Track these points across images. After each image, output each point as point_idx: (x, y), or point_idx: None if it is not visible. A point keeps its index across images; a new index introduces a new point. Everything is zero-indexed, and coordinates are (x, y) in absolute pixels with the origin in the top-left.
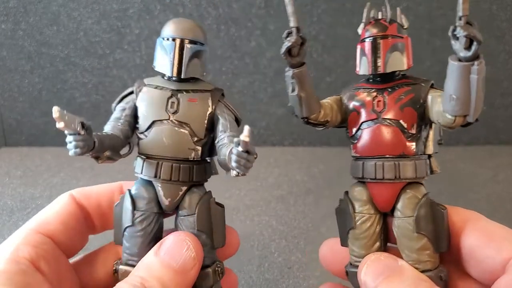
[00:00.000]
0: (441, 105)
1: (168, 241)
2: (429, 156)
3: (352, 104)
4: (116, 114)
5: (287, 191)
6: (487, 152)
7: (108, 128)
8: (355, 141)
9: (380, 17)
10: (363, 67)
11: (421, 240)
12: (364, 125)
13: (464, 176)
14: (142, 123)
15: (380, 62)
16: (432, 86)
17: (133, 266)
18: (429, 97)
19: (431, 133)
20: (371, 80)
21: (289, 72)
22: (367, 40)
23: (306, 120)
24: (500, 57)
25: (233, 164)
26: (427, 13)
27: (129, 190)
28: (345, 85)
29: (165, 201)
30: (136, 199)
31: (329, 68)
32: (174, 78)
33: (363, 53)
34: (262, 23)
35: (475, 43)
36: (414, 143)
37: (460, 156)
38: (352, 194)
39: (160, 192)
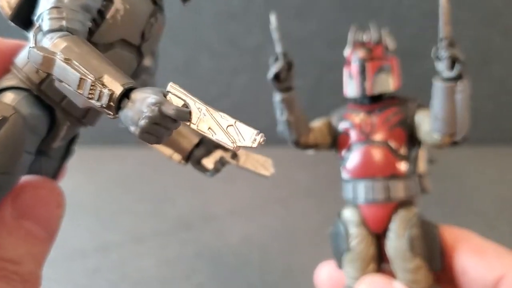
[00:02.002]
0: (428, 125)
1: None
2: (420, 175)
3: (341, 127)
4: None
5: (287, 192)
6: (493, 152)
7: (80, 27)
8: (345, 163)
9: (366, 39)
10: (350, 89)
11: (415, 259)
12: (353, 147)
13: (469, 177)
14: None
15: (367, 84)
16: (419, 105)
17: None
18: (417, 117)
19: (421, 152)
20: (359, 102)
21: (278, 97)
22: (353, 63)
23: (295, 143)
24: (505, 55)
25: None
26: (430, 10)
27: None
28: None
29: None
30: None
31: (331, 66)
32: None
33: (350, 75)
34: (262, 19)
35: (457, 63)
36: (404, 163)
37: (465, 156)
38: (344, 216)
39: None
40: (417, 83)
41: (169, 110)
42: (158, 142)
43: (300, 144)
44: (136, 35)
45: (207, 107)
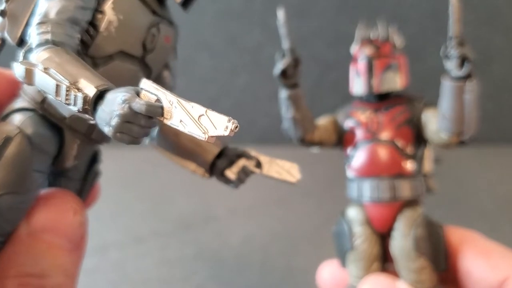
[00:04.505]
0: (436, 124)
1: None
2: (425, 174)
3: (347, 125)
4: (73, 12)
5: (287, 193)
6: (494, 152)
7: (67, 40)
8: (351, 161)
9: (373, 36)
10: (357, 87)
11: (419, 259)
12: (359, 145)
13: (471, 176)
14: (100, 45)
15: (374, 82)
16: (425, 104)
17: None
18: (424, 116)
19: (427, 152)
20: (365, 100)
21: (284, 94)
22: (360, 60)
23: (301, 140)
24: (506, 54)
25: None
26: (430, 10)
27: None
28: (348, 82)
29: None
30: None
31: (332, 65)
32: None
33: (357, 73)
34: (262, 18)
35: (467, 62)
36: (410, 163)
37: (466, 156)
38: (348, 215)
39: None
40: (416, 82)
41: (139, 106)
42: (134, 142)
43: (306, 142)
44: (136, 46)
45: (178, 99)
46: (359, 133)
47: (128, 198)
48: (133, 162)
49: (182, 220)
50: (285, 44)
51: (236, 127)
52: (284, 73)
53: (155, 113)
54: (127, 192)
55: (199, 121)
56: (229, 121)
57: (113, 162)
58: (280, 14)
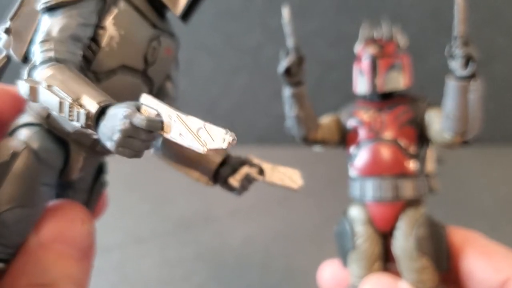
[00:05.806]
0: (439, 124)
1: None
2: (427, 174)
3: (350, 124)
4: (74, 29)
5: (289, 193)
6: (496, 152)
7: (69, 57)
8: (354, 161)
9: (377, 36)
10: (361, 86)
11: (421, 259)
12: (362, 145)
13: (472, 177)
14: (102, 59)
15: (378, 81)
16: (429, 104)
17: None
18: (427, 116)
19: (429, 152)
20: (368, 99)
21: (288, 92)
22: (364, 59)
23: (304, 139)
24: (508, 54)
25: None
26: (430, 10)
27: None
28: (349, 82)
29: None
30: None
31: (333, 65)
32: None
33: (361, 72)
34: (262, 19)
35: (471, 62)
36: (413, 162)
37: (468, 156)
38: (350, 214)
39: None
40: (417, 82)
41: (139, 121)
42: (136, 156)
43: (309, 140)
44: (138, 60)
45: (178, 113)
46: (362, 132)
47: (128, 199)
48: (134, 163)
49: (182, 220)
50: (290, 42)
51: (234, 140)
52: (288, 71)
53: (155, 127)
54: (128, 192)
55: (198, 134)
56: (226, 133)
57: (114, 163)
58: (285, 12)
